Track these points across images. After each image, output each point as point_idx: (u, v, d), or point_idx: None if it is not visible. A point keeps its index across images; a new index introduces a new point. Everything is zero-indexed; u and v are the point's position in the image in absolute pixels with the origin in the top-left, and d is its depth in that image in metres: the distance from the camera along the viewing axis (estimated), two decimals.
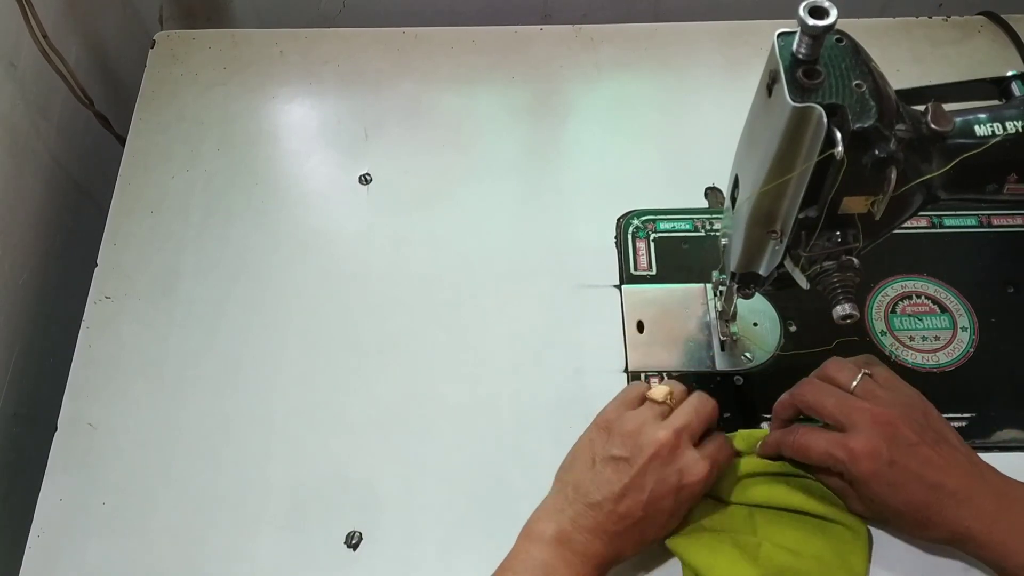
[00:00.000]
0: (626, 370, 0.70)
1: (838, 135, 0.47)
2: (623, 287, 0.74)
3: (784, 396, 0.62)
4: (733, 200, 0.58)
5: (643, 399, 0.61)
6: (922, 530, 0.58)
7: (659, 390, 0.61)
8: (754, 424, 0.67)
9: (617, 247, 0.76)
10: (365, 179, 0.81)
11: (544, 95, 0.86)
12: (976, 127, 0.53)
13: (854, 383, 0.58)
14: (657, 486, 0.56)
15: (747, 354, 0.69)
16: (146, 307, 0.74)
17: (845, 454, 0.56)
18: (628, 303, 0.73)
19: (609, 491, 0.56)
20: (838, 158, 0.48)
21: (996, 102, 0.56)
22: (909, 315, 0.71)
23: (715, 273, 0.67)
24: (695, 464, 0.57)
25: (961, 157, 0.52)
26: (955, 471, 0.56)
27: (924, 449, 0.56)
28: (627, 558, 0.58)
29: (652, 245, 0.76)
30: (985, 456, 0.63)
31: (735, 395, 0.68)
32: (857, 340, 0.70)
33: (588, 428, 0.61)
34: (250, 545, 0.64)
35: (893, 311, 0.71)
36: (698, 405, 0.60)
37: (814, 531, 0.61)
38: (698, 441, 0.59)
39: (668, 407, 0.60)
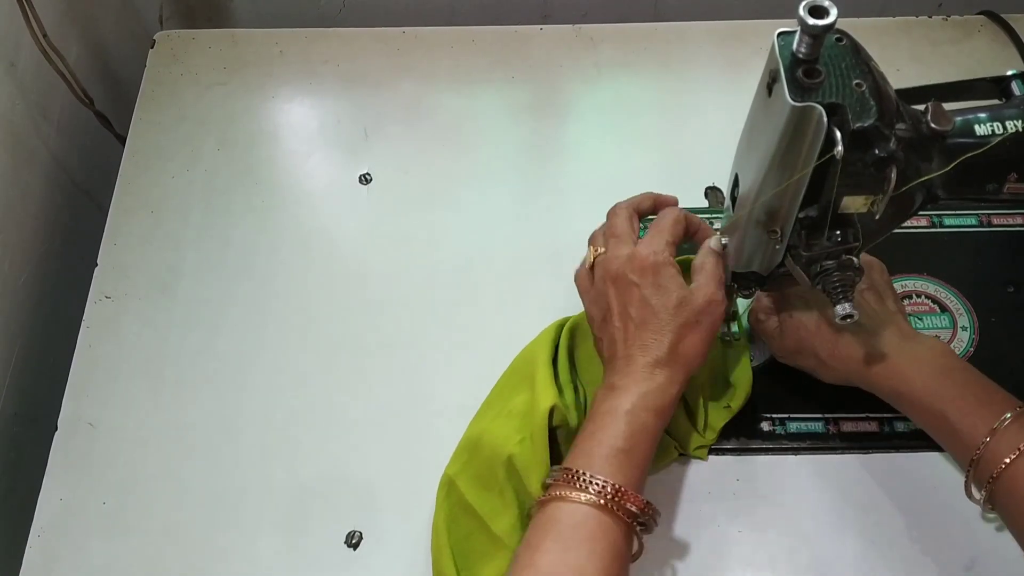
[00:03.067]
0: None
1: (838, 135, 0.47)
2: None
3: None
4: (733, 200, 0.58)
5: (633, 222, 0.63)
6: (828, 354, 0.62)
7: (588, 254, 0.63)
8: (754, 424, 0.67)
9: None
10: (365, 179, 0.81)
11: (544, 95, 0.86)
12: (976, 126, 0.53)
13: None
14: (618, 296, 0.59)
15: (748, 355, 0.69)
16: (146, 307, 0.74)
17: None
18: None
19: (612, 340, 0.59)
20: (838, 157, 0.48)
21: (996, 101, 0.56)
22: (909, 314, 0.71)
23: None
24: (618, 251, 0.60)
25: (962, 158, 0.52)
26: (870, 308, 0.63)
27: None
28: (673, 351, 0.57)
29: None
30: None
31: None
32: None
33: (601, 277, 0.61)
34: (250, 545, 0.64)
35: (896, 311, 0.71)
36: (671, 216, 0.62)
37: None
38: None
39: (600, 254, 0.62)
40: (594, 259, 0.62)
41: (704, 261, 0.61)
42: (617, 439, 0.54)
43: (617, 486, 0.52)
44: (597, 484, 0.52)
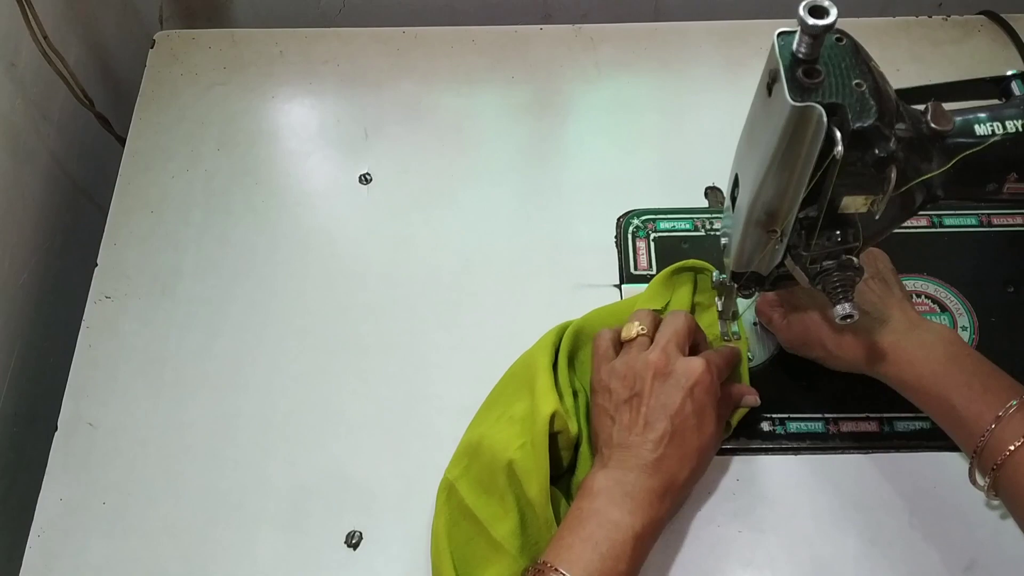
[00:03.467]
0: None
1: (838, 135, 0.47)
2: (623, 287, 0.74)
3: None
4: (733, 199, 0.58)
5: (616, 345, 0.64)
6: (835, 345, 0.63)
7: (629, 328, 0.63)
8: (754, 424, 0.67)
9: (617, 247, 0.76)
10: (365, 179, 0.81)
11: (544, 95, 0.86)
12: (976, 126, 0.53)
13: None
14: (669, 397, 0.58)
15: (748, 354, 0.69)
16: (146, 307, 0.74)
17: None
18: None
19: (634, 426, 0.58)
20: (838, 158, 0.48)
21: (996, 101, 0.56)
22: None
23: (715, 273, 0.67)
24: (689, 363, 0.60)
25: (960, 156, 0.52)
26: (875, 297, 0.63)
27: None
28: (684, 483, 0.59)
29: (652, 245, 0.76)
30: None
31: None
32: None
33: (591, 401, 0.63)
34: (250, 545, 0.64)
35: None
36: (674, 322, 0.63)
37: None
38: (688, 353, 0.62)
39: (646, 338, 0.63)
40: (637, 335, 0.62)
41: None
42: (620, 563, 0.54)
43: None
44: None
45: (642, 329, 0.63)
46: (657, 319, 0.64)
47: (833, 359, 0.64)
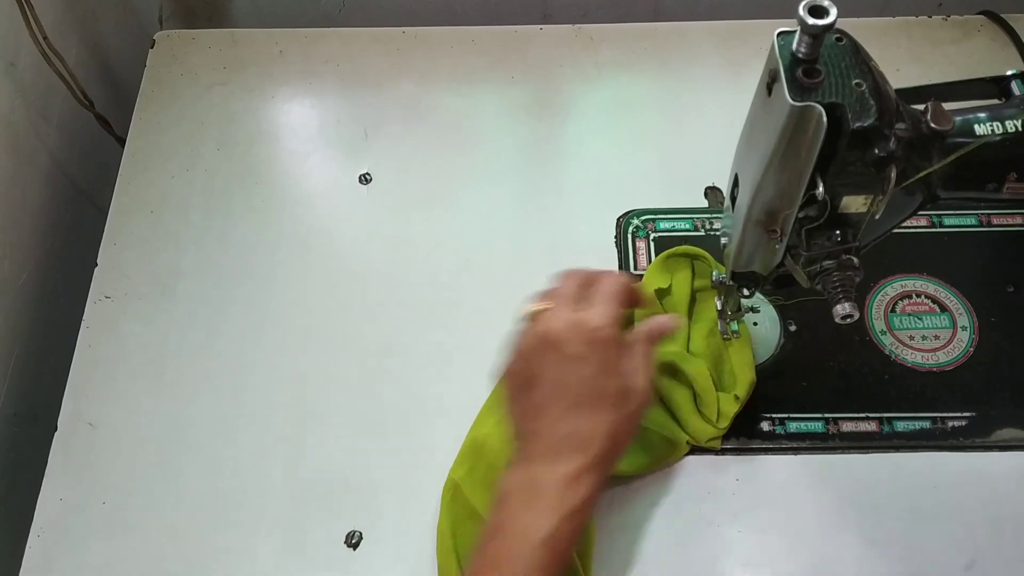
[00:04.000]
0: None
1: (820, 187, 0.49)
2: None
3: None
4: (733, 199, 0.58)
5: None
6: None
7: (530, 307, 0.58)
8: (754, 424, 0.67)
9: (617, 246, 0.76)
10: (365, 179, 0.81)
11: (544, 95, 0.86)
12: (976, 126, 0.53)
13: None
14: (560, 369, 0.53)
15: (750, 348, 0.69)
16: (146, 307, 0.74)
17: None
18: None
19: (533, 411, 0.54)
20: (820, 199, 0.50)
21: (996, 101, 0.56)
22: (909, 314, 0.71)
23: (715, 272, 0.67)
24: (576, 319, 0.54)
25: (958, 153, 0.52)
26: None
27: None
28: (607, 450, 0.53)
29: (652, 244, 0.76)
30: (985, 455, 0.64)
31: None
32: (857, 340, 0.70)
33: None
34: (250, 545, 0.64)
35: (893, 310, 0.71)
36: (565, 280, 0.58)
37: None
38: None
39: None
40: (533, 311, 0.57)
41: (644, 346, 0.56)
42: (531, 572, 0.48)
43: None
44: None
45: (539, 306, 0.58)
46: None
47: None
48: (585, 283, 0.58)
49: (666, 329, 0.59)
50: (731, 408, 0.65)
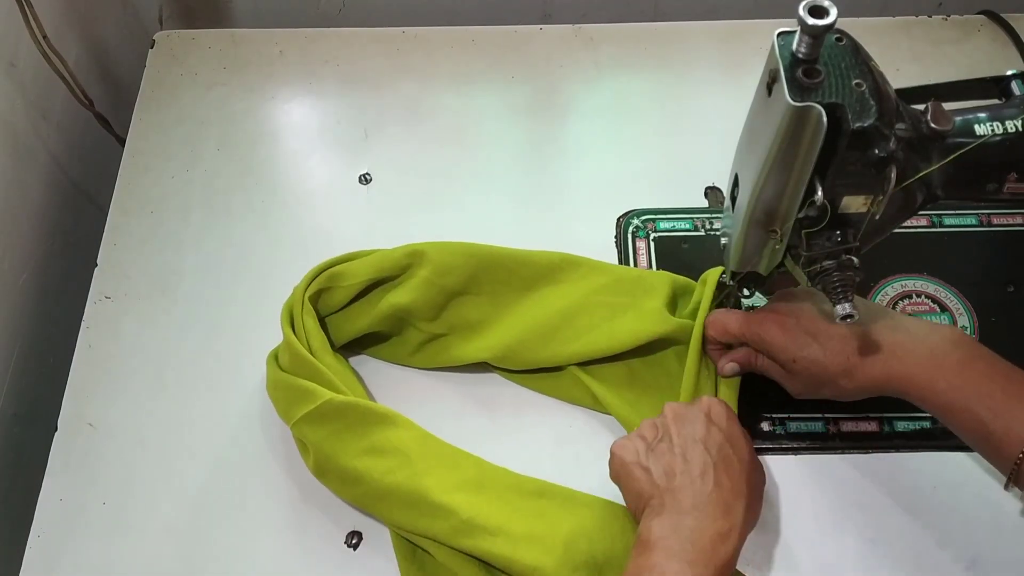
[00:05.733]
0: None
1: (819, 192, 0.49)
2: None
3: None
4: (733, 199, 0.58)
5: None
6: (847, 379, 0.59)
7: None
8: (754, 424, 0.67)
9: (617, 247, 0.76)
10: (365, 179, 0.81)
11: (544, 95, 0.86)
12: (976, 126, 0.54)
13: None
14: (692, 426, 0.58)
15: None
16: (146, 307, 0.74)
17: (759, 326, 0.62)
18: None
19: (674, 464, 0.56)
20: (819, 203, 0.50)
21: (996, 101, 0.57)
22: (909, 314, 0.71)
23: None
24: (696, 402, 0.60)
25: (957, 153, 0.52)
26: (866, 318, 0.59)
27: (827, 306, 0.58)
28: (744, 517, 0.54)
29: (652, 245, 0.76)
30: None
31: None
32: None
33: (620, 481, 0.59)
34: (250, 545, 0.64)
35: (893, 310, 0.71)
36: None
37: None
38: None
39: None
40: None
41: None
42: None
43: None
44: None
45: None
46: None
47: (846, 392, 0.61)
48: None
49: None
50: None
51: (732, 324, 0.63)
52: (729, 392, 0.65)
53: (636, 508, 0.56)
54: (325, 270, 0.67)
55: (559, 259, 0.71)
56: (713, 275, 0.67)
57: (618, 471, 0.58)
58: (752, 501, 0.56)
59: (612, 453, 0.59)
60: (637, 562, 0.52)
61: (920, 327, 0.59)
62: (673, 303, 0.69)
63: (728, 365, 0.65)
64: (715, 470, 0.55)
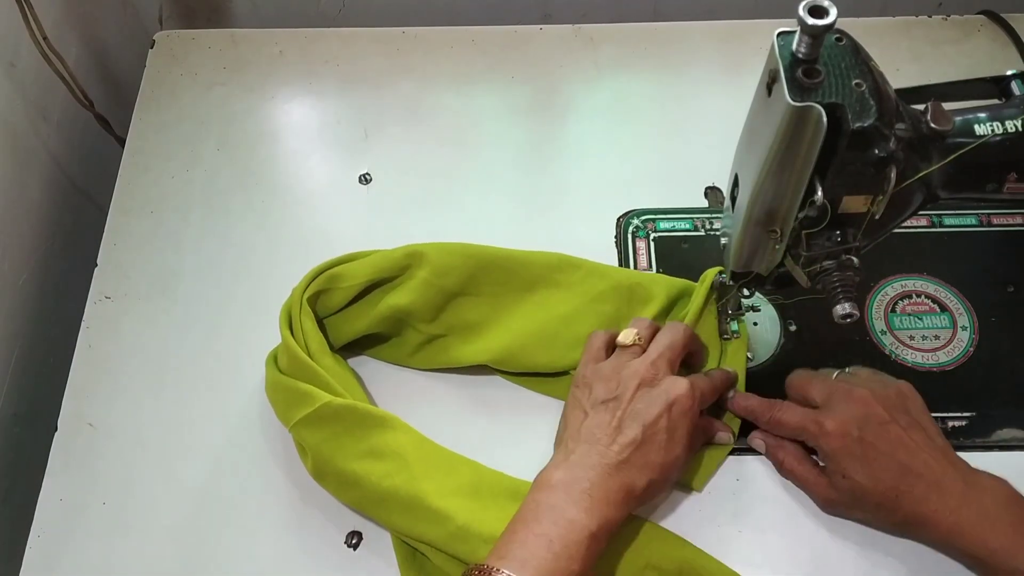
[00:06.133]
0: None
1: (819, 192, 0.49)
2: None
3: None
4: (733, 199, 0.58)
5: (608, 347, 0.64)
6: (887, 513, 0.59)
7: (626, 333, 0.63)
8: (754, 424, 0.67)
9: (617, 247, 0.76)
10: (365, 179, 0.81)
11: (544, 95, 0.86)
12: (976, 126, 0.54)
13: (835, 374, 0.64)
14: (648, 408, 0.58)
15: (748, 354, 0.69)
16: (146, 307, 0.74)
17: (816, 428, 0.60)
18: None
19: (607, 426, 0.58)
20: (819, 203, 0.50)
21: (996, 101, 0.57)
22: (909, 314, 0.71)
23: (717, 272, 0.67)
24: (675, 382, 0.59)
25: (957, 153, 0.52)
26: (924, 454, 0.58)
27: (895, 429, 0.58)
28: (642, 493, 0.57)
29: (652, 244, 0.76)
30: (985, 455, 0.64)
31: None
32: (857, 339, 0.70)
33: (570, 392, 0.63)
34: (250, 545, 0.64)
35: (893, 310, 0.71)
36: (671, 336, 0.63)
37: None
38: (680, 367, 0.63)
39: (639, 347, 0.62)
40: (633, 343, 0.62)
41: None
42: (574, 563, 0.52)
43: None
44: None
45: (638, 339, 0.63)
46: (655, 329, 0.64)
47: (884, 523, 0.60)
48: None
49: (723, 440, 0.65)
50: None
51: (789, 422, 0.62)
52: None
53: (558, 436, 0.61)
54: (323, 272, 0.67)
55: (557, 260, 0.71)
56: (710, 274, 0.67)
57: (568, 399, 0.62)
58: (656, 482, 0.58)
59: (573, 380, 0.63)
60: (537, 498, 0.55)
61: (969, 475, 0.58)
62: (670, 308, 0.69)
63: (757, 441, 0.65)
64: (638, 448, 0.57)
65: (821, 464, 0.61)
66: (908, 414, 0.59)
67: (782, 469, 0.64)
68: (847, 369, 0.65)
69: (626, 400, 0.58)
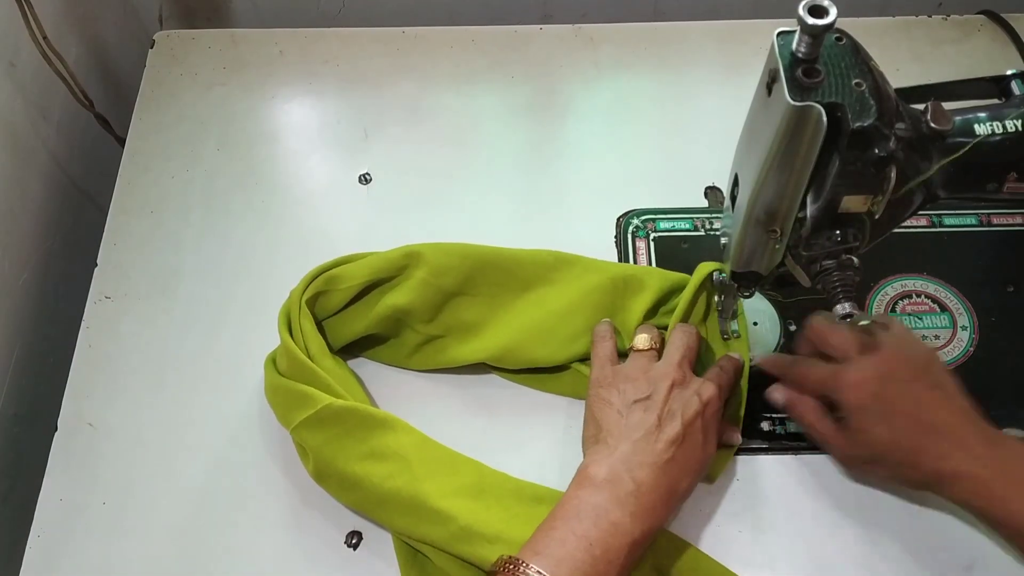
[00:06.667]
0: None
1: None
2: None
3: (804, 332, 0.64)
4: (733, 199, 0.58)
5: (615, 346, 0.65)
6: (908, 469, 0.58)
7: (642, 339, 0.64)
8: (754, 424, 0.67)
9: (617, 246, 0.76)
10: (365, 179, 0.81)
11: (544, 95, 0.86)
12: (976, 126, 0.54)
13: (862, 321, 0.61)
14: (685, 408, 0.59)
15: (748, 354, 0.69)
16: (146, 307, 0.74)
17: (836, 382, 0.59)
18: None
19: (647, 425, 0.58)
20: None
21: (996, 101, 0.57)
22: (909, 314, 0.71)
23: (715, 272, 0.67)
24: (704, 384, 0.61)
25: (956, 154, 0.52)
26: (946, 412, 0.57)
27: (917, 387, 0.57)
28: (684, 494, 0.58)
29: (652, 244, 0.76)
30: None
31: None
32: None
33: (590, 397, 0.62)
34: (250, 545, 0.64)
35: (893, 310, 0.71)
36: (686, 338, 0.64)
37: None
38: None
39: (655, 351, 0.63)
40: (650, 347, 0.63)
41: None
42: (612, 569, 0.52)
43: None
44: None
45: (654, 344, 0.64)
46: (661, 336, 0.65)
47: (905, 478, 0.59)
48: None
49: (731, 441, 0.65)
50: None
51: (812, 376, 0.61)
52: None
53: (591, 435, 0.60)
54: (321, 273, 0.67)
55: (552, 258, 0.71)
56: (704, 268, 0.67)
57: (593, 399, 0.61)
58: (694, 482, 0.59)
59: (593, 382, 0.62)
60: (579, 494, 0.54)
61: (993, 436, 0.57)
62: (663, 300, 0.70)
63: (777, 394, 0.64)
64: (681, 444, 0.57)
65: (841, 419, 0.60)
66: (931, 374, 0.58)
67: (801, 423, 0.63)
68: (873, 319, 0.62)
69: (661, 400, 0.59)
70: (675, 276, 0.70)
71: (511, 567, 0.50)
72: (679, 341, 0.63)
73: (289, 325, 0.66)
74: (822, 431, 0.61)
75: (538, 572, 0.49)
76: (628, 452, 0.56)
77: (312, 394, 0.62)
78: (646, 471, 0.55)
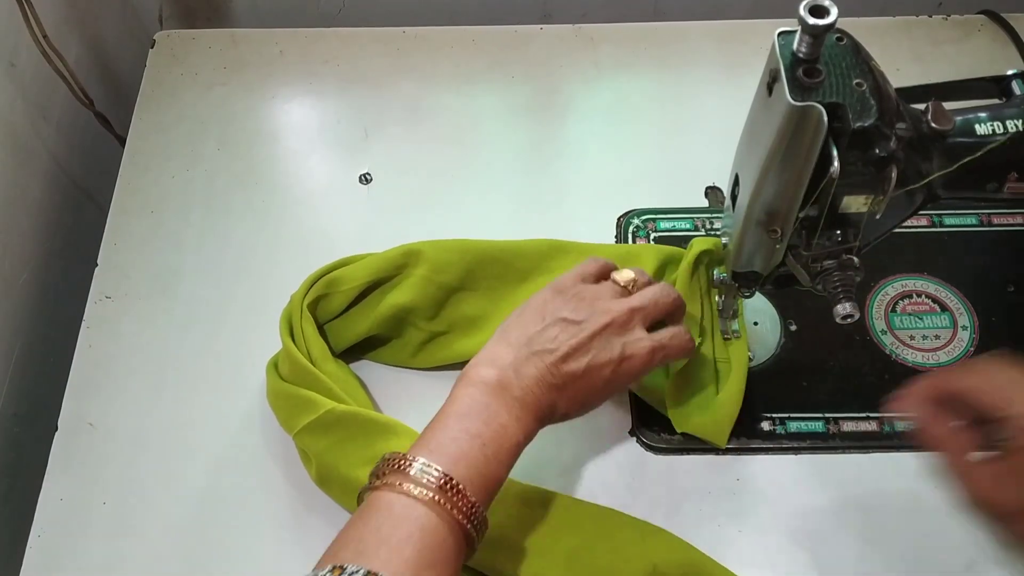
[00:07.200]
0: None
1: (835, 152, 0.48)
2: None
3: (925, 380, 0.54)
4: (733, 199, 0.58)
5: (600, 275, 0.62)
6: None
7: (624, 274, 0.61)
8: (754, 424, 0.67)
9: None
10: (365, 179, 0.81)
11: (544, 94, 0.86)
12: (976, 126, 0.53)
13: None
14: (601, 353, 0.56)
15: (748, 353, 0.69)
16: (146, 307, 0.74)
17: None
18: None
19: (556, 346, 0.56)
20: (834, 176, 0.48)
21: (996, 101, 0.56)
22: (909, 314, 0.71)
23: (716, 272, 0.67)
24: (639, 342, 0.58)
25: (963, 160, 0.52)
26: None
27: None
28: (561, 417, 0.57)
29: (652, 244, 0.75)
30: (985, 455, 0.63)
31: None
32: (858, 339, 0.70)
33: (542, 290, 0.61)
34: (250, 545, 0.64)
35: (893, 310, 0.71)
36: (659, 293, 0.61)
37: None
38: (652, 328, 0.60)
39: (628, 292, 0.61)
40: (625, 284, 0.61)
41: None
42: (502, 470, 0.52)
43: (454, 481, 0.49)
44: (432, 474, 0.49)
45: (631, 284, 0.61)
46: (650, 283, 0.63)
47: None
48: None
49: (682, 354, 0.62)
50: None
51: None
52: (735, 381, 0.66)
53: (510, 323, 0.58)
54: (321, 277, 0.67)
55: (548, 247, 0.72)
56: (699, 243, 0.67)
57: (539, 295, 0.60)
58: (570, 413, 0.57)
59: (553, 281, 0.61)
60: (469, 391, 0.54)
61: None
62: (661, 273, 0.70)
63: (914, 414, 0.54)
64: (575, 381, 0.56)
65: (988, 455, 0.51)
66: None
67: (936, 449, 0.53)
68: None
69: (587, 333, 0.56)
70: (670, 249, 0.71)
71: (403, 463, 0.49)
72: (649, 292, 0.60)
73: (291, 329, 0.66)
74: (962, 467, 0.52)
75: (434, 468, 0.49)
76: (523, 362, 0.55)
77: (314, 399, 0.62)
78: (535, 383, 0.54)
